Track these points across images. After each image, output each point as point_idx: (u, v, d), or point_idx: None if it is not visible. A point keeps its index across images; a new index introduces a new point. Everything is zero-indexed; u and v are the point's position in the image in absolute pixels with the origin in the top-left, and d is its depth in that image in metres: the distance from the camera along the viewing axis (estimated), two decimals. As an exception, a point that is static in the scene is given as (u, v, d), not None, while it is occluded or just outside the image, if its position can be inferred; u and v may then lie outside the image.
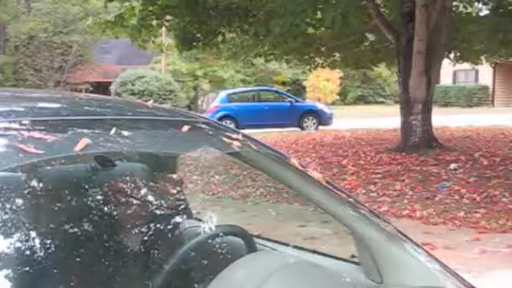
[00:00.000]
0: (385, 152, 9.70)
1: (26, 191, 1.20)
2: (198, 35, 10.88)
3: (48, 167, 1.28)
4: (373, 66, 16.79)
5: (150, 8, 10.16)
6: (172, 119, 1.41)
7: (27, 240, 1.14)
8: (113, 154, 1.41)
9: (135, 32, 10.56)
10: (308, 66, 14.48)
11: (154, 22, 10.75)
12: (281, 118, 18.01)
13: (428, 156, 8.66)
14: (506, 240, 4.98)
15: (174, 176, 1.70)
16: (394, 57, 10.36)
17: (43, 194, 1.27)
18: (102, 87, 27.15)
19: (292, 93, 24.65)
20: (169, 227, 1.53)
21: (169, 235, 1.54)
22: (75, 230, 1.30)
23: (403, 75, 9.38)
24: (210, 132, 1.38)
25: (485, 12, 12.01)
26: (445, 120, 15.70)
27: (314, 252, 1.63)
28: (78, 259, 1.26)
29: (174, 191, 1.60)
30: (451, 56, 12.80)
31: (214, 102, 19.39)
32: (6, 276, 1.04)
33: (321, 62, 13.87)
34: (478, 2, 10.15)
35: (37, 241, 1.16)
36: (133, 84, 25.69)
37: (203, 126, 1.40)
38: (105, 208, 1.39)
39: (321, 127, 18.47)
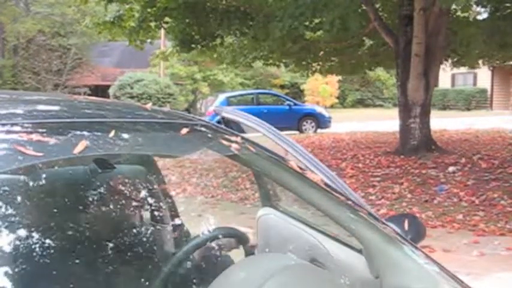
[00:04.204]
0: (384, 155, 9.70)
1: (25, 193, 1.20)
2: (197, 37, 10.89)
3: (48, 169, 1.28)
4: (370, 70, 16.77)
5: (149, 10, 10.17)
6: (171, 121, 1.41)
7: (26, 242, 1.14)
8: (112, 156, 1.41)
9: (133, 34, 10.57)
10: (306, 71, 14.49)
11: (152, 24, 10.76)
12: (280, 121, 17.94)
13: (427, 159, 8.67)
14: (504, 243, 4.98)
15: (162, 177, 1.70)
16: (393, 61, 10.37)
17: (42, 196, 1.27)
18: (100, 90, 27.13)
19: (291, 96, 24.65)
20: (168, 228, 1.54)
21: (168, 237, 1.54)
22: (74, 231, 1.30)
23: (401, 78, 9.39)
24: (209, 135, 1.38)
25: (484, 15, 12.03)
26: (444, 123, 15.72)
27: (327, 235, 1.60)
28: (77, 261, 1.26)
29: (173, 193, 1.61)
30: (449, 60, 12.80)
31: (213, 106, 19.39)
32: (5, 277, 1.04)
33: (318, 67, 13.87)
34: (477, 5, 10.16)
35: (36, 242, 1.16)
36: (131, 88, 25.68)
37: (202, 129, 1.40)
38: (104, 210, 1.39)
39: (319, 130, 18.47)
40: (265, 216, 1.75)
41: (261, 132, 1.63)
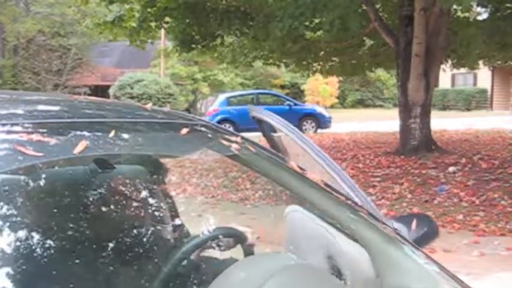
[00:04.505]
0: (384, 155, 9.70)
1: (25, 193, 1.20)
2: (197, 37, 10.90)
3: (48, 169, 1.28)
4: (370, 71, 16.76)
5: (149, 10, 10.18)
6: (172, 121, 1.41)
7: (26, 242, 1.14)
8: (112, 156, 1.41)
9: (133, 34, 10.58)
10: (306, 72, 14.48)
11: (153, 24, 10.77)
12: (280, 121, 17.98)
13: (427, 160, 8.67)
14: (505, 243, 4.99)
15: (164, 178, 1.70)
16: (393, 61, 10.38)
17: (42, 196, 1.27)
18: (100, 91, 27.15)
19: (291, 96, 24.66)
20: (168, 229, 1.54)
21: (169, 237, 1.54)
22: (74, 232, 1.30)
23: (401, 79, 9.39)
24: (209, 135, 1.38)
25: (484, 16, 12.03)
26: (444, 123, 15.72)
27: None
28: (76, 261, 1.26)
29: (173, 193, 1.61)
30: (449, 61, 12.79)
31: (213, 106, 19.39)
32: (5, 277, 1.04)
33: (318, 67, 13.86)
34: (478, 5, 10.17)
35: (36, 243, 1.16)
36: (132, 88, 25.69)
37: (202, 129, 1.40)
38: (104, 210, 1.39)
39: (319, 130, 18.47)
40: (293, 214, 1.78)
41: (283, 132, 1.71)
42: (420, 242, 1.58)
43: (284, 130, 1.71)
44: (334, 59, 13.39)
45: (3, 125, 1.01)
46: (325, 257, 1.53)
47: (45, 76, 28.80)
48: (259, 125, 1.82)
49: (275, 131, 1.84)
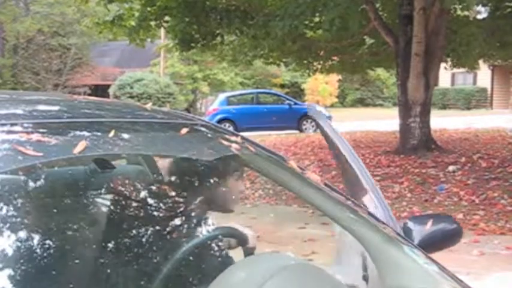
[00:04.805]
0: (384, 154, 9.70)
1: (25, 193, 1.20)
2: (197, 36, 10.90)
3: (48, 169, 1.28)
4: (371, 70, 16.77)
5: (149, 9, 10.18)
6: (171, 121, 1.41)
7: (26, 242, 1.14)
8: (112, 156, 1.41)
9: (133, 33, 10.59)
10: (307, 71, 14.48)
11: (152, 23, 10.77)
12: (280, 121, 17.97)
13: (426, 159, 8.67)
14: (504, 242, 4.99)
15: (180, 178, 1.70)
16: (393, 60, 10.38)
17: (42, 196, 1.27)
18: (100, 90, 27.12)
19: (291, 95, 24.63)
20: (168, 229, 1.54)
21: (168, 237, 1.54)
22: (74, 232, 1.30)
23: (401, 78, 9.39)
24: (209, 135, 1.38)
25: (484, 15, 12.02)
26: (444, 122, 15.71)
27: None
28: (76, 261, 1.26)
29: (173, 193, 1.60)
30: (449, 61, 12.78)
31: (213, 105, 19.36)
32: (5, 278, 1.04)
33: (319, 67, 13.85)
34: (477, 4, 10.16)
35: (36, 243, 1.16)
36: (131, 87, 25.67)
37: (202, 128, 1.40)
38: (104, 210, 1.39)
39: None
40: None
41: (325, 133, 1.85)
42: (441, 244, 1.60)
43: (328, 132, 1.82)
44: (334, 58, 13.37)
45: (3, 125, 1.01)
46: (360, 255, 1.56)
47: (45, 76, 28.78)
48: (316, 124, 2.05)
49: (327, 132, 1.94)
